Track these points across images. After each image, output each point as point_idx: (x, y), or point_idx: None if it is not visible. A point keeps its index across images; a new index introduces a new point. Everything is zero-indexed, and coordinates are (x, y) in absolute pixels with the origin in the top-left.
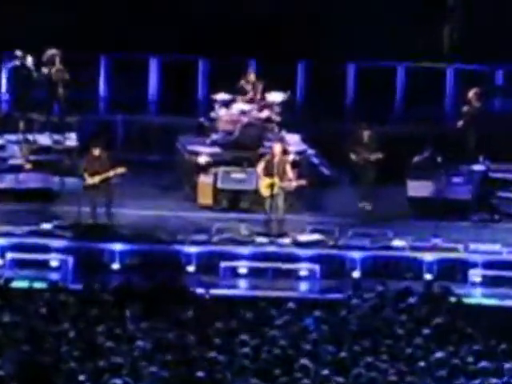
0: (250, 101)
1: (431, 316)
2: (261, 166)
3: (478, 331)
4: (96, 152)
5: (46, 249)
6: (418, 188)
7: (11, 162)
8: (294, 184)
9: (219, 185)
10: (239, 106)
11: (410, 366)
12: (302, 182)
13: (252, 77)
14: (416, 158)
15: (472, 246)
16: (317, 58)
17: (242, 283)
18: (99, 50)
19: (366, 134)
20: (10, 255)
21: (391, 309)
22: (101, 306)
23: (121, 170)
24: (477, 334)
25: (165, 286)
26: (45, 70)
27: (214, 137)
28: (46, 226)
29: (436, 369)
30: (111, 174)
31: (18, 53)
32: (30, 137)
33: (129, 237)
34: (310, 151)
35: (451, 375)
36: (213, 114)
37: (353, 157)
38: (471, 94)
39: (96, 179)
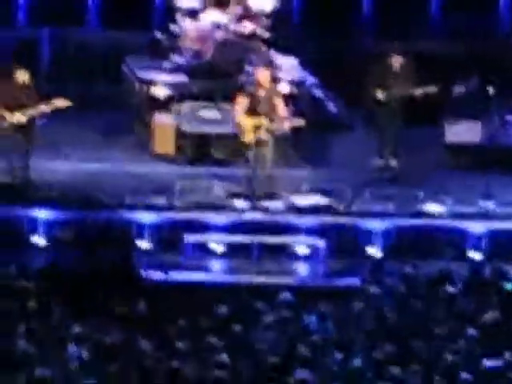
0: (227, 9)
1: (479, 311)
2: (241, 101)
3: None
4: (20, 78)
5: None
6: (460, 132)
7: None
8: (288, 125)
9: (183, 127)
10: (212, 15)
11: (449, 379)
12: (300, 121)
13: None
14: (457, 90)
15: None
16: None
17: (216, 265)
18: None
19: (396, 60)
20: None
21: (423, 300)
22: (18, 298)
23: (61, 102)
24: None
25: (108, 269)
26: None
27: (176, 59)
28: None
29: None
30: (45, 107)
31: None
32: None
33: (58, 200)
34: (311, 80)
35: None
36: (174, 28)
37: (379, 93)
38: None
39: (20, 117)
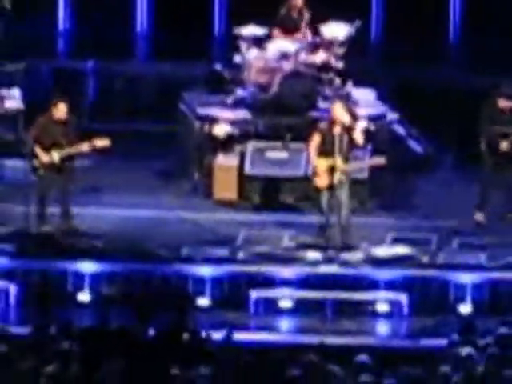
0: (297, 37)
1: None
2: (314, 140)
3: None
4: (58, 114)
5: None
6: None
7: None
8: (367, 166)
9: (248, 169)
10: (279, 44)
11: None
12: (380, 160)
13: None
14: None
15: None
16: None
17: (285, 324)
18: None
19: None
20: None
21: None
22: (61, 362)
23: (102, 141)
24: None
25: (163, 330)
26: None
27: (240, 94)
28: None
29: None
30: (84, 147)
31: None
32: None
33: (105, 252)
34: (392, 116)
35: None
36: (237, 59)
37: (503, 144)
38: None
39: (55, 156)
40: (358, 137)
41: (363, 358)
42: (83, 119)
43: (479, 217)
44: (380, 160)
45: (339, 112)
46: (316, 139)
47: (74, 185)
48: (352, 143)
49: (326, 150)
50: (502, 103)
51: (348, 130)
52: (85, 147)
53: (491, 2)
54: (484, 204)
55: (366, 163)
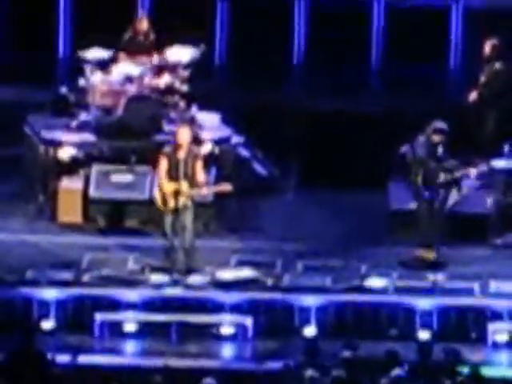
0: (142, 60)
1: None
2: (161, 165)
3: None
4: None
5: None
6: (402, 197)
7: None
8: (211, 191)
9: (92, 193)
10: (123, 68)
11: None
12: (226, 187)
13: (144, 23)
14: (403, 150)
15: (493, 286)
16: None
17: (129, 346)
18: None
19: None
20: None
21: None
22: None
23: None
24: None
25: (7, 354)
26: None
27: (84, 117)
28: None
29: None
30: None
31: None
32: None
33: None
34: (237, 138)
35: None
36: (81, 81)
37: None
38: (488, 47)
39: None
40: (201, 169)
41: (209, 380)
42: None
43: (425, 253)
44: (226, 186)
45: (183, 136)
46: (163, 164)
47: None
48: (196, 168)
49: (171, 174)
50: (436, 138)
51: (193, 154)
52: None
53: (332, 23)
54: (424, 238)
55: (211, 189)
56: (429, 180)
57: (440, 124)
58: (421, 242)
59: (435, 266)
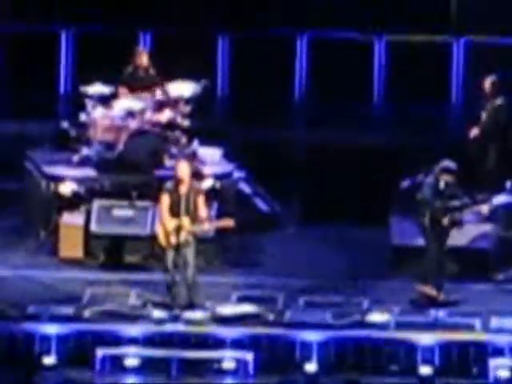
0: (143, 95)
1: None
2: (163, 202)
3: None
4: None
5: None
6: (404, 232)
7: None
8: (213, 226)
9: (94, 228)
10: (125, 103)
11: None
12: (228, 222)
13: (145, 58)
14: (405, 185)
15: (495, 322)
16: (248, 25)
17: (130, 381)
18: None
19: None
20: None
21: None
22: None
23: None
24: None
25: None
26: None
27: (85, 152)
28: None
29: None
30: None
31: None
32: None
33: None
34: (239, 174)
35: None
36: (83, 117)
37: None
38: (487, 84)
39: None
40: (203, 204)
41: None
42: None
43: (428, 290)
44: (228, 222)
45: (183, 170)
46: (165, 201)
47: None
48: (198, 203)
49: (173, 210)
50: (445, 177)
51: (194, 190)
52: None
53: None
54: (431, 276)
55: (213, 225)
56: (435, 221)
57: (448, 163)
58: (426, 279)
59: (444, 304)
